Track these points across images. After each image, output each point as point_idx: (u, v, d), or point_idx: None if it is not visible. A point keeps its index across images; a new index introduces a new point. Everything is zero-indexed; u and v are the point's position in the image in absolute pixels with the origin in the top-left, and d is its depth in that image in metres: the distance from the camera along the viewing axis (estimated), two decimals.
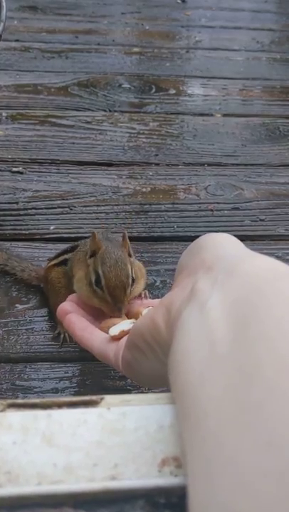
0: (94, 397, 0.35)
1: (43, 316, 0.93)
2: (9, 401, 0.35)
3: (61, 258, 0.86)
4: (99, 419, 0.34)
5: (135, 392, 0.79)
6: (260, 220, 1.18)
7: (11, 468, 0.32)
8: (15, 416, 0.34)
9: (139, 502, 0.30)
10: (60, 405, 0.35)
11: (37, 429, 0.33)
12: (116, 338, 0.53)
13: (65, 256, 0.85)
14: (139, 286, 0.70)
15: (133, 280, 0.68)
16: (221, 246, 0.36)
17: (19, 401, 0.36)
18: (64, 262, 0.84)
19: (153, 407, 0.34)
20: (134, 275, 0.68)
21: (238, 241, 0.37)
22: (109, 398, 0.35)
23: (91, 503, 0.30)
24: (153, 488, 0.31)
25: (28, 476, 0.31)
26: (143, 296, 0.70)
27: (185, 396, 0.27)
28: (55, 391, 0.81)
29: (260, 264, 0.31)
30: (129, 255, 0.71)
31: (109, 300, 0.65)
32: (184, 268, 0.37)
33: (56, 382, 0.82)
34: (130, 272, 0.68)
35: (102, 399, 0.35)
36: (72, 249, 0.83)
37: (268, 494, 0.20)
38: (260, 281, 0.28)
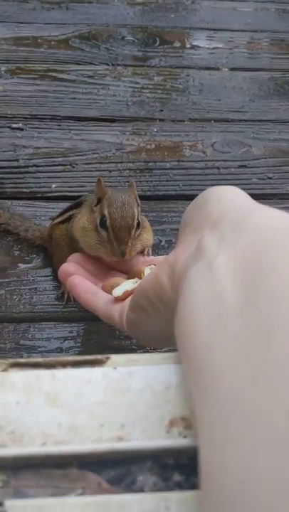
0: (99, 357, 0.34)
1: (47, 276, 0.91)
2: (11, 360, 0.34)
3: (66, 215, 0.84)
4: (104, 379, 0.33)
5: (140, 352, 0.78)
6: (268, 178, 1.15)
7: (14, 428, 0.31)
8: (18, 375, 0.33)
9: (147, 463, 0.30)
10: (64, 365, 0.34)
11: (41, 389, 0.33)
12: (120, 299, 0.52)
13: (70, 213, 0.83)
14: (146, 237, 0.70)
15: (138, 224, 0.68)
16: (227, 199, 0.34)
17: (22, 360, 0.35)
18: (69, 219, 0.82)
19: (159, 366, 0.33)
20: (140, 219, 0.68)
21: (244, 193, 0.35)
22: (115, 357, 0.34)
23: (97, 464, 0.30)
24: (161, 449, 0.30)
25: (33, 436, 0.31)
26: (146, 253, 0.70)
27: (195, 358, 0.26)
28: (60, 351, 0.81)
29: (269, 216, 0.29)
30: (137, 203, 0.70)
31: (113, 240, 0.65)
32: (189, 224, 0.35)
33: (61, 342, 0.82)
34: (136, 215, 0.68)
35: (107, 358, 0.34)
36: (76, 206, 0.82)
37: (285, 467, 0.19)
38: (271, 234, 0.27)
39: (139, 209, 0.71)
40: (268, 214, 0.29)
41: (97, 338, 0.81)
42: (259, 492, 0.19)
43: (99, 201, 0.70)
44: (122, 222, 0.66)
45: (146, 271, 0.59)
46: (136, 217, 0.68)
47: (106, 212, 0.67)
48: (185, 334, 0.28)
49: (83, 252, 0.68)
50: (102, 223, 0.67)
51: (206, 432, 0.23)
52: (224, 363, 0.23)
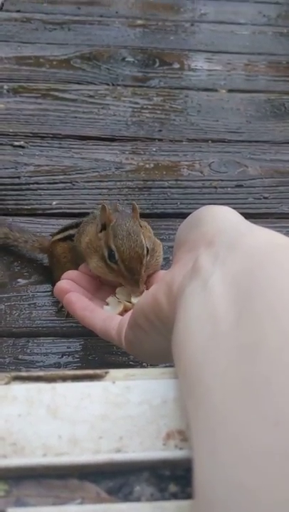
0: (98, 371, 0.35)
1: (46, 291, 0.92)
2: (14, 374, 0.35)
3: (66, 233, 0.85)
4: (103, 393, 0.34)
5: (138, 368, 0.79)
6: (264, 197, 1.17)
7: (16, 440, 0.32)
8: (19, 388, 0.34)
9: (144, 474, 0.31)
10: (64, 379, 0.35)
11: (42, 402, 0.33)
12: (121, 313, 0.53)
13: (70, 231, 0.83)
14: (157, 259, 0.68)
15: (148, 250, 0.65)
16: (221, 219, 0.35)
17: (23, 374, 0.36)
18: (69, 238, 0.83)
19: (157, 381, 0.34)
20: (148, 246, 0.66)
21: (236, 213, 0.36)
22: (113, 372, 0.35)
23: (96, 475, 0.31)
24: (158, 461, 0.31)
25: (34, 447, 0.31)
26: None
27: (189, 373, 0.27)
28: (58, 366, 0.82)
29: (259, 237, 0.30)
30: (140, 226, 0.68)
31: (125, 274, 0.63)
32: (184, 243, 0.37)
33: (59, 357, 0.82)
34: (144, 243, 0.65)
35: (106, 373, 0.35)
36: (76, 225, 0.82)
37: (273, 472, 0.20)
38: (261, 255, 0.28)
39: (144, 231, 0.68)
40: (259, 234, 0.31)
41: (95, 354, 0.82)
42: (243, 500, 0.20)
43: (103, 227, 0.68)
44: (132, 254, 0.64)
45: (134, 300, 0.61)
46: (144, 246, 0.65)
47: (113, 245, 0.65)
48: (181, 351, 0.29)
49: None
50: (111, 257, 0.65)
51: (198, 443, 0.24)
52: (215, 379, 0.24)
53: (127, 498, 0.30)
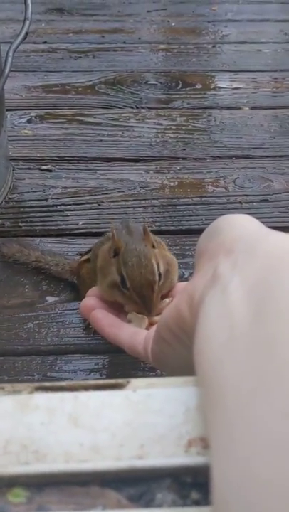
0: (120, 380, 0.35)
1: (74, 309, 0.94)
2: (36, 384, 0.36)
3: (90, 254, 0.85)
4: (125, 401, 0.34)
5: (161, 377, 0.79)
6: None
7: (38, 448, 0.32)
8: (42, 398, 0.35)
9: (165, 481, 0.30)
10: (86, 388, 0.35)
11: (63, 411, 0.34)
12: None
13: (89, 255, 0.84)
14: (172, 279, 0.65)
15: (160, 276, 0.63)
16: (239, 227, 0.35)
17: (46, 384, 0.36)
18: (89, 261, 0.83)
19: (179, 389, 0.34)
20: (160, 270, 0.63)
21: (255, 219, 0.37)
22: (135, 381, 0.35)
23: (118, 482, 0.31)
24: (180, 468, 0.31)
25: (56, 454, 0.32)
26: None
27: (208, 377, 0.27)
28: None
29: (277, 241, 0.31)
30: (153, 247, 0.66)
31: (138, 301, 0.61)
32: (204, 252, 0.37)
33: (87, 374, 0.83)
34: (156, 268, 0.63)
35: (128, 382, 0.35)
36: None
37: (282, 468, 0.20)
38: (278, 259, 0.28)
39: (157, 252, 0.66)
40: (278, 238, 0.31)
41: (122, 370, 0.82)
42: (257, 493, 0.20)
43: (115, 253, 0.66)
44: (142, 281, 0.62)
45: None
46: (156, 271, 0.63)
47: (124, 272, 0.63)
48: (200, 356, 0.29)
49: None
50: (123, 284, 0.63)
51: (215, 441, 0.25)
52: (232, 376, 0.25)
53: (149, 505, 0.29)
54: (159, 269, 0.63)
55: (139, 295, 0.61)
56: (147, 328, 0.58)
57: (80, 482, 0.31)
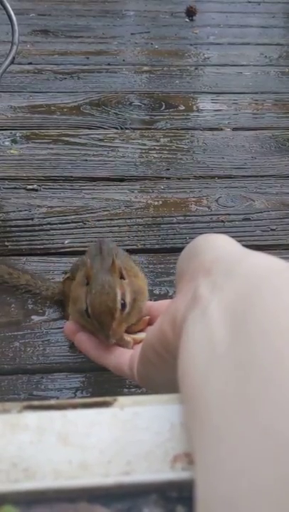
0: (108, 398, 0.36)
1: (59, 328, 0.94)
2: (25, 403, 0.37)
3: (70, 273, 0.86)
4: (112, 419, 0.35)
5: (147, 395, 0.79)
6: (271, 229, 1.18)
7: (28, 466, 0.33)
8: (31, 417, 0.35)
9: (152, 496, 0.31)
10: (74, 406, 0.36)
11: (53, 429, 0.34)
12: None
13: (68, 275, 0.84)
14: (140, 309, 0.65)
15: (124, 305, 0.62)
16: (217, 247, 0.36)
17: (35, 403, 0.37)
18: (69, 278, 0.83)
19: (164, 406, 0.35)
20: (125, 299, 0.63)
21: (232, 239, 0.38)
22: (122, 399, 0.36)
23: (106, 498, 0.31)
24: (165, 483, 0.32)
25: (45, 472, 0.32)
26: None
27: (191, 397, 0.28)
28: None
29: (255, 262, 0.32)
30: (122, 277, 0.65)
31: (97, 327, 0.61)
32: (184, 273, 0.38)
33: (73, 392, 0.83)
34: (118, 296, 0.62)
35: (115, 400, 0.36)
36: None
37: (265, 479, 0.21)
38: (256, 280, 0.29)
39: (127, 282, 0.65)
40: (255, 260, 0.32)
41: (108, 388, 0.83)
42: (243, 507, 0.21)
43: (88, 281, 0.66)
44: (102, 307, 0.61)
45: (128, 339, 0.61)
46: (118, 299, 0.62)
47: (88, 300, 0.63)
48: (183, 377, 0.30)
49: None
50: (87, 311, 0.63)
51: (200, 460, 0.26)
52: (214, 398, 0.26)
53: None
54: (123, 298, 0.63)
55: (98, 322, 0.61)
56: (132, 348, 0.59)
57: (68, 498, 0.31)
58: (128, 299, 0.63)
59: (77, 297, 0.66)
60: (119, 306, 0.62)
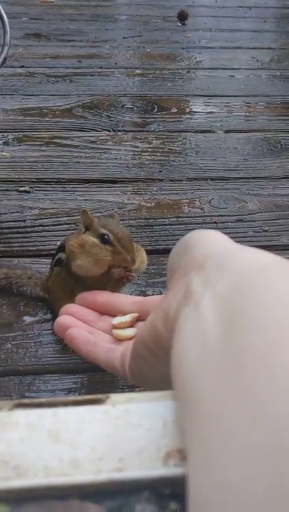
0: (99, 396, 0.36)
1: (51, 329, 0.93)
2: (16, 401, 0.36)
3: (53, 262, 0.86)
4: (104, 416, 0.34)
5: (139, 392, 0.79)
6: (264, 230, 1.19)
7: (19, 463, 0.32)
8: (21, 414, 0.35)
9: (144, 493, 0.31)
10: (66, 404, 0.36)
11: (43, 426, 0.34)
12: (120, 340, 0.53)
13: (57, 257, 0.84)
14: (143, 256, 0.74)
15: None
16: (209, 242, 0.36)
17: (26, 401, 0.37)
18: (59, 262, 0.83)
19: (157, 403, 0.35)
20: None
21: (224, 235, 0.38)
22: (114, 396, 0.36)
23: (97, 495, 0.31)
24: (158, 479, 0.31)
25: (36, 470, 0.32)
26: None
27: (184, 391, 0.28)
28: None
29: (247, 256, 0.32)
30: None
31: (122, 251, 0.69)
32: (176, 269, 0.37)
33: (65, 393, 0.83)
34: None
35: (107, 397, 0.36)
36: (60, 250, 0.82)
37: (256, 466, 0.21)
38: (248, 274, 0.29)
39: None
40: (247, 254, 0.32)
41: (101, 389, 0.82)
42: (232, 502, 0.21)
43: (87, 228, 0.73)
44: (124, 235, 0.70)
45: (115, 321, 0.60)
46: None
47: (104, 231, 0.71)
48: (177, 368, 0.30)
49: (82, 290, 0.68)
50: (105, 240, 0.70)
51: (192, 451, 0.25)
52: (206, 389, 0.26)
53: None
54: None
55: (122, 246, 0.69)
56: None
57: (59, 496, 0.31)
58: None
59: (82, 245, 0.71)
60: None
